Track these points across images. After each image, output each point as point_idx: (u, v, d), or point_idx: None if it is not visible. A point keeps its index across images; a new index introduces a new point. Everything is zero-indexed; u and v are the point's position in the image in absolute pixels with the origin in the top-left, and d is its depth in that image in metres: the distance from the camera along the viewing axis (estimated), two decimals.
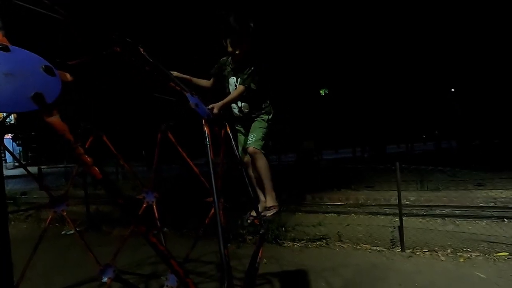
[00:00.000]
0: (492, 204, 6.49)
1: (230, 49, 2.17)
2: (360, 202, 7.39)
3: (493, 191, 7.48)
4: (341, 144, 25.03)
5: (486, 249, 3.94)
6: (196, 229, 4.09)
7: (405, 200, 7.68)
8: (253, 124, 2.31)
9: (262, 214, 2.22)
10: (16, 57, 0.67)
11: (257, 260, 1.81)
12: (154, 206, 2.63)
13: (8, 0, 1.12)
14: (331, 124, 19.40)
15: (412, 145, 23.11)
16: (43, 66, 0.70)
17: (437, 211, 6.23)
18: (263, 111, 2.34)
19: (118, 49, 1.23)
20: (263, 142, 2.25)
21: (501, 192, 6.97)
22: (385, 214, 6.02)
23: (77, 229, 3.19)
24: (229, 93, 2.25)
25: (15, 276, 1.23)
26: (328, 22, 11.87)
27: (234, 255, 3.93)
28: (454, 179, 9.01)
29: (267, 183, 2.26)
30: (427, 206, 6.54)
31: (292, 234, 4.96)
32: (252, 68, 2.18)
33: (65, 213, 2.73)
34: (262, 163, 2.22)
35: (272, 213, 2.26)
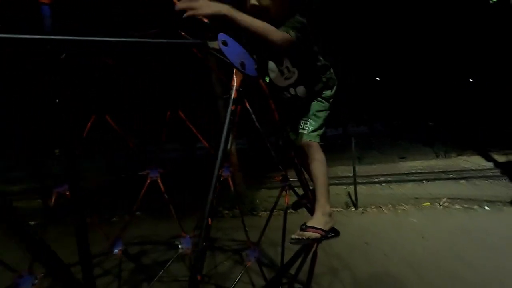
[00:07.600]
0: (413, 171, 8.10)
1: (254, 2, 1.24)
2: None
3: (413, 161, 9.39)
4: None
5: (415, 203, 5.09)
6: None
7: (348, 173, 8.99)
8: (310, 104, 1.56)
9: (295, 235, 1.37)
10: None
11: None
12: (159, 181, 2.76)
13: None
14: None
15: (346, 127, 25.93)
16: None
17: (375, 179, 7.52)
18: (322, 85, 1.56)
19: None
20: (323, 131, 1.54)
21: (421, 162, 8.70)
22: (338, 184, 7.02)
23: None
24: (270, 82, 1.55)
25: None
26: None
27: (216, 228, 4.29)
28: (382, 153, 10.78)
29: (321, 192, 1.49)
30: (367, 176, 7.81)
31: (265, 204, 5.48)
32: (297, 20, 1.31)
33: None
34: (318, 164, 1.49)
35: (309, 237, 1.37)
